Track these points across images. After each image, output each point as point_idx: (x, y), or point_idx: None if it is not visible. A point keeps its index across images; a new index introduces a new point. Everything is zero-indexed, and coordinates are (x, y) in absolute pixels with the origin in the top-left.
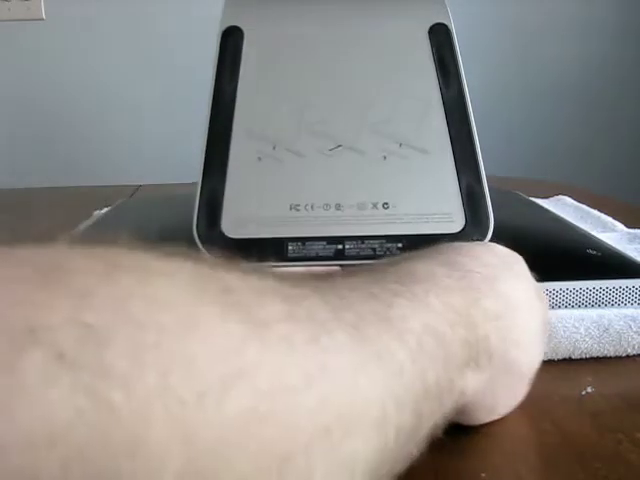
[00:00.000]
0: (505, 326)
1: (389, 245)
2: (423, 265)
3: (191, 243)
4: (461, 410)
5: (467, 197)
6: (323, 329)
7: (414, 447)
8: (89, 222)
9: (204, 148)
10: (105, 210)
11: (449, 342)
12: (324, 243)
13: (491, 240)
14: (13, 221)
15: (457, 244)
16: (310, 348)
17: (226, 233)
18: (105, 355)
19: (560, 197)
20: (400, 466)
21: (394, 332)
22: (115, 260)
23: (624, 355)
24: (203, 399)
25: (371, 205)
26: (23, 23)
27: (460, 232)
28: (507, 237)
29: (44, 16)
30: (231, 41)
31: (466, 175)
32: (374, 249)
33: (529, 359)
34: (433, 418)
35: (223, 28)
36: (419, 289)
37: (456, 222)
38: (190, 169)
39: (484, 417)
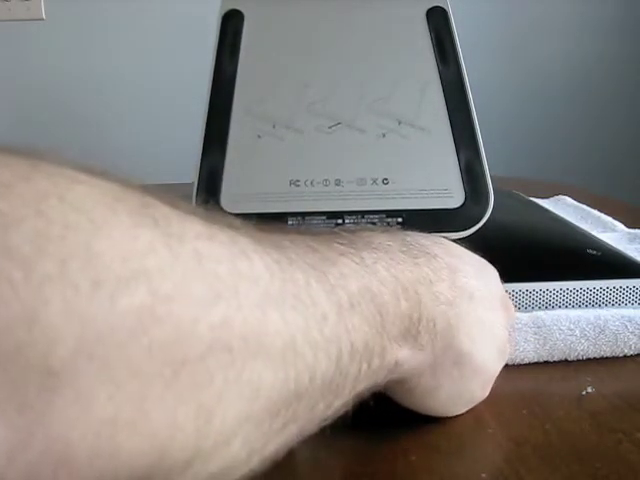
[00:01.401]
0: (457, 315)
1: (389, 220)
2: (383, 238)
3: None
4: (400, 385)
5: (466, 173)
6: (243, 255)
7: (338, 401)
8: None
9: (204, 126)
10: None
11: (389, 312)
12: (324, 218)
13: (492, 241)
14: None
15: (440, 238)
16: (222, 268)
17: (225, 209)
18: (10, 238)
19: (560, 197)
20: (323, 414)
21: (326, 284)
22: (39, 165)
23: (621, 356)
24: (97, 290)
25: (371, 181)
26: (23, 23)
27: (460, 207)
28: (507, 237)
29: (44, 16)
30: (231, 24)
31: (465, 152)
32: (374, 224)
33: (483, 356)
34: (361, 378)
35: (224, 11)
36: (369, 256)
37: (455, 197)
38: (190, 169)
39: (426, 400)
